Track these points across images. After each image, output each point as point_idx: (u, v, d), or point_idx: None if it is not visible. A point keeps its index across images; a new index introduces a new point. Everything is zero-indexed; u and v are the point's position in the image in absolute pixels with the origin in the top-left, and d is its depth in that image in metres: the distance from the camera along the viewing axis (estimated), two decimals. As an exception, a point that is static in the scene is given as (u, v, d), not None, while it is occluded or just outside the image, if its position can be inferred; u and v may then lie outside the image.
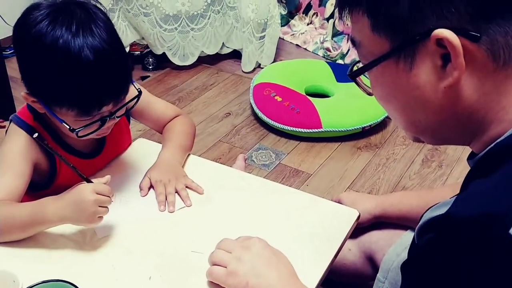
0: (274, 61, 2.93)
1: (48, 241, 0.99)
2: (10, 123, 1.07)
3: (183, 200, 1.11)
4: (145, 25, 2.73)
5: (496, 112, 0.64)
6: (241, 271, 0.88)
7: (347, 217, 1.10)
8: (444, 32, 0.59)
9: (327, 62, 2.75)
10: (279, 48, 3.02)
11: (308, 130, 2.29)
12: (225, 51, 3.00)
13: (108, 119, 1.00)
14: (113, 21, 2.03)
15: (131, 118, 1.27)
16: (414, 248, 0.70)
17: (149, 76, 2.83)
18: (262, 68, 2.86)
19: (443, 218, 0.59)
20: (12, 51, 2.62)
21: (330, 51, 3.04)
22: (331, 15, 3.13)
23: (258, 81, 2.54)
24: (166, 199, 1.11)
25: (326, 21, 3.20)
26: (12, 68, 2.36)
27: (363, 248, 1.23)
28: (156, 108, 1.27)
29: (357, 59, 0.72)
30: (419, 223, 0.66)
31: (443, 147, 2.26)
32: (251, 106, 2.49)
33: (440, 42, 0.60)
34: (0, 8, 2.69)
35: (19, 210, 0.97)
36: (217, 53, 2.96)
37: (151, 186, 1.14)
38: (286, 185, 1.29)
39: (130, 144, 1.28)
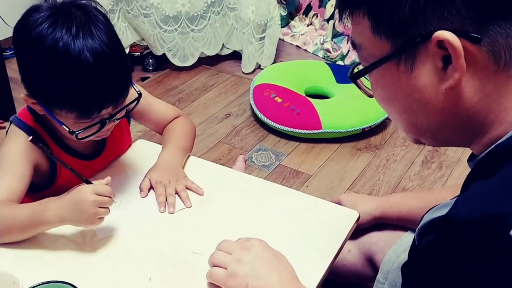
0: (274, 62, 2.93)
1: (49, 242, 0.99)
2: (10, 124, 1.07)
3: (183, 201, 1.11)
4: (145, 26, 2.73)
5: (497, 113, 0.64)
6: (241, 273, 0.88)
7: (347, 218, 1.10)
8: (445, 34, 0.59)
9: (327, 63, 2.75)
10: (279, 49, 3.02)
11: (308, 131, 2.29)
12: (225, 52, 3.00)
13: (107, 121, 1.00)
14: (113, 22, 2.04)
15: (131, 119, 1.27)
16: (414, 249, 0.70)
17: (149, 77, 2.83)
18: (262, 69, 2.86)
19: (444, 220, 0.59)
20: (12, 52, 2.62)
21: (330, 52, 3.04)
22: (331, 16, 3.13)
23: (258, 82, 2.54)
24: (166, 200, 1.11)
25: (326, 22, 3.20)
26: (12, 69, 2.35)
27: (363, 249, 1.23)
28: (156, 109, 1.27)
29: (357, 60, 0.72)
30: (420, 225, 0.66)
31: (443, 148, 2.26)
32: (251, 107, 2.49)
33: (441, 44, 0.60)
34: (0, 9, 2.69)
35: (19, 211, 0.97)
36: (217, 54, 2.96)
37: (151, 187, 1.14)
38: (286, 186, 1.29)
39: (130, 145, 1.28)
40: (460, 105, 0.64)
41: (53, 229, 0.99)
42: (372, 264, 1.21)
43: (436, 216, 0.62)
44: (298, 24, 3.31)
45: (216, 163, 1.33)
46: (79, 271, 0.94)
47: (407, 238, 1.12)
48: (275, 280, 0.87)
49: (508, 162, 0.60)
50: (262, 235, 0.96)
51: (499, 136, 0.64)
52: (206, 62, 2.97)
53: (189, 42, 2.83)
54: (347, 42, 3.03)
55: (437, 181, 2.11)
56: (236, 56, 3.00)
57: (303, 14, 3.31)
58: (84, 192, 0.94)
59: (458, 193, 0.74)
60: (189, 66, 2.90)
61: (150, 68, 2.88)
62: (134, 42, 2.85)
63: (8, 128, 1.07)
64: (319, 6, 3.24)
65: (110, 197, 0.96)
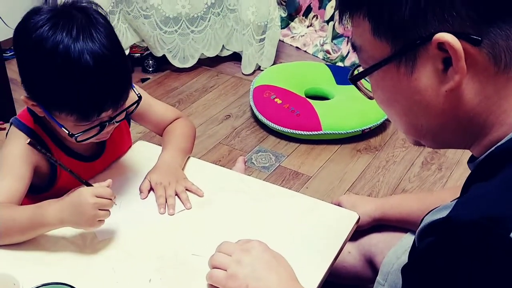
0: (274, 63, 2.93)
1: (49, 244, 0.99)
2: (10, 125, 1.07)
3: (183, 203, 1.11)
4: (145, 27, 2.73)
5: (497, 115, 0.64)
6: (241, 274, 0.88)
7: (347, 219, 1.10)
8: (445, 36, 0.59)
9: (327, 65, 2.75)
10: (279, 50, 3.02)
11: (308, 133, 2.29)
12: (225, 53, 3.00)
13: (107, 124, 1.00)
14: (113, 23, 2.04)
15: (131, 120, 1.27)
16: (414, 251, 0.70)
17: (149, 78, 2.84)
18: (262, 70, 2.86)
19: (444, 222, 0.59)
20: (12, 53, 2.62)
21: (330, 53, 3.04)
22: (331, 18, 3.14)
23: (258, 83, 2.54)
24: (166, 201, 1.11)
25: (326, 24, 3.20)
26: (12, 70, 2.35)
27: (363, 250, 1.23)
28: (156, 111, 1.27)
29: (357, 62, 0.72)
30: (420, 227, 0.66)
31: (443, 150, 2.26)
32: (251, 108, 2.49)
33: (442, 46, 0.60)
34: (0, 10, 2.69)
35: (19, 213, 0.97)
36: (217, 55, 2.96)
37: (151, 189, 1.14)
38: (286, 187, 1.29)
39: (130, 146, 1.28)
40: (460, 107, 0.64)
41: (53, 230, 0.99)
42: (372, 266, 1.21)
43: (436, 218, 0.62)
44: (298, 26, 3.31)
45: (216, 164, 1.33)
46: (79, 272, 0.94)
47: (407, 240, 1.12)
48: (275, 282, 0.87)
49: (508, 164, 0.60)
50: (262, 236, 0.96)
51: (499, 138, 0.64)
52: (206, 63, 2.97)
53: (189, 43, 2.83)
54: (347, 43, 3.03)
55: (436, 182, 2.11)
56: (236, 57, 3.00)
57: (303, 16, 3.31)
58: (84, 194, 0.94)
59: (458, 194, 0.74)
60: (189, 68, 2.90)
61: (150, 69, 2.88)
62: (134, 44, 2.85)
63: (8, 130, 1.07)
64: (319, 8, 3.24)
65: (110, 199, 0.96)
